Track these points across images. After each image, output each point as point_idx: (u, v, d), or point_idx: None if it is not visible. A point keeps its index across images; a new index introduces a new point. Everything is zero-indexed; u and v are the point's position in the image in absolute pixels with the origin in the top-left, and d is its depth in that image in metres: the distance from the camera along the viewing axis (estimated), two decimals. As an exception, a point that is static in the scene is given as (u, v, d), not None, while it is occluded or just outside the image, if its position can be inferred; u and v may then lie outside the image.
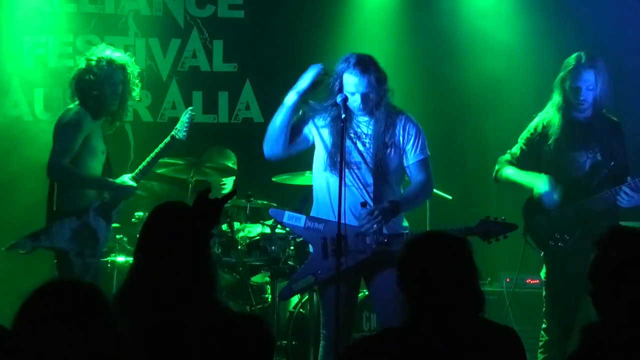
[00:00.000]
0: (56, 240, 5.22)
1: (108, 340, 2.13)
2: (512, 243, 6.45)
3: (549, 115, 5.26)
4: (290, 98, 4.77)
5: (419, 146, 4.79)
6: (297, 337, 5.95)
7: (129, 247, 5.98)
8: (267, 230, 5.98)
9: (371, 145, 4.70)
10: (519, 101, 7.42)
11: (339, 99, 4.62)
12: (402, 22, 7.46)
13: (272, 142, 4.84)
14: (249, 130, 7.28)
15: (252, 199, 6.22)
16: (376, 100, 4.70)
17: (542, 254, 5.23)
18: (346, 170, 4.61)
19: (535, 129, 5.29)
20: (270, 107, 7.30)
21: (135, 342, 2.19)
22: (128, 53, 5.72)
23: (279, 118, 4.83)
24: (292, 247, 5.78)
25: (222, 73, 7.38)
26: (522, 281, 6.25)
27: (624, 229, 2.83)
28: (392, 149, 4.73)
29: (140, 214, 6.04)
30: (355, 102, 4.66)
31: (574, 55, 5.29)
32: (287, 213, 4.77)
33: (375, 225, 4.55)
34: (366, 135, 4.72)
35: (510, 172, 5.31)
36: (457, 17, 7.45)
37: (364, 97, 4.65)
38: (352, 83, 4.65)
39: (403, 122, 4.78)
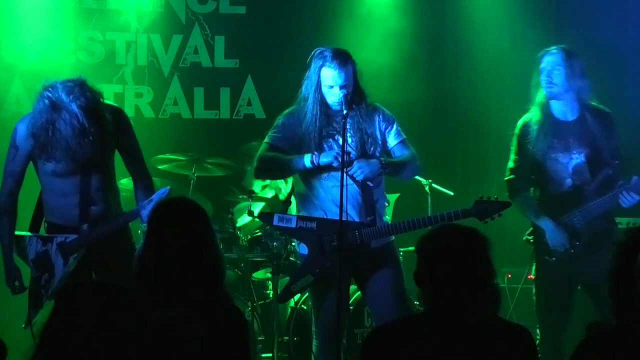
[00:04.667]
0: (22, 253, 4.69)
1: (134, 345, 2.12)
2: (512, 239, 6.48)
3: (530, 115, 5.18)
4: (306, 164, 4.65)
5: (395, 130, 4.84)
6: (299, 333, 5.96)
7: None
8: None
9: (353, 141, 4.71)
10: (520, 98, 7.43)
11: (340, 94, 4.61)
12: (403, 19, 7.46)
13: (271, 178, 4.96)
14: (251, 127, 7.30)
15: (254, 195, 6.23)
16: (354, 93, 4.68)
17: (552, 259, 5.17)
18: (329, 169, 4.66)
19: (519, 135, 5.18)
20: (271, 103, 7.39)
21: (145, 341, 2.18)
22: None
23: (286, 174, 4.93)
24: (293, 244, 5.79)
25: (224, 69, 7.39)
26: (523, 277, 6.25)
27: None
28: (372, 141, 4.75)
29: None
30: (334, 96, 4.65)
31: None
32: (276, 215, 4.77)
33: (361, 173, 4.59)
34: (346, 130, 4.71)
35: (520, 206, 5.19)
36: (459, 16, 7.46)
37: (344, 90, 4.62)
38: (330, 76, 4.64)
39: (378, 113, 4.81)
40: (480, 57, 7.40)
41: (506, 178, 5.24)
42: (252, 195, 6.17)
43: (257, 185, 6.56)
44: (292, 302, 6.16)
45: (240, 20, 7.38)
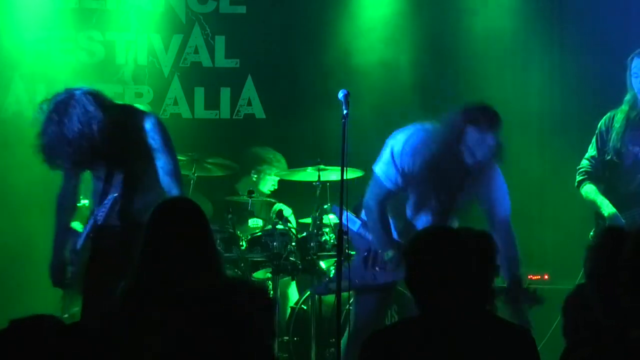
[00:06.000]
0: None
1: None
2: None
3: (619, 109, 5.18)
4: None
5: (504, 203, 4.66)
6: (299, 333, 5.96)
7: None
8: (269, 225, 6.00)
9: (465, 194, 4.59)
10: (521, 104, 7.41)
11: (340, 94, 4.54)
12: (404, 20, 7.44)
13: None
14: (251, 127, 7.30)
15: (253, 195, 6.22)
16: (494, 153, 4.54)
17: None
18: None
19: (602, 126, 5.19)
20: (272, 103, 7.40)
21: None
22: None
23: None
24: (293, 244, 5.79)
25: (224, 69, 7.39)
26: (524, 277, 6.22)
27: (618, 228, 2.81)
28: (468, 194, 4.61)
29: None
30: (470, 157, 4.47)
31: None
32: (346, 212, 4.70)
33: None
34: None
35: (586, 190, 5.19)
36: (459, 19, 7.43)
37: (483, 156, 4.47)
38: (478, 142, 4.45)
39: (495, 176, 4.65)
40: (482, 58, 7.37)
41: (579, 166, 5.22)
42: (251, 196, 6.16)
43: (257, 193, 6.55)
44: (291, 302, 6.16)
45: (240, 20, 7.37)
